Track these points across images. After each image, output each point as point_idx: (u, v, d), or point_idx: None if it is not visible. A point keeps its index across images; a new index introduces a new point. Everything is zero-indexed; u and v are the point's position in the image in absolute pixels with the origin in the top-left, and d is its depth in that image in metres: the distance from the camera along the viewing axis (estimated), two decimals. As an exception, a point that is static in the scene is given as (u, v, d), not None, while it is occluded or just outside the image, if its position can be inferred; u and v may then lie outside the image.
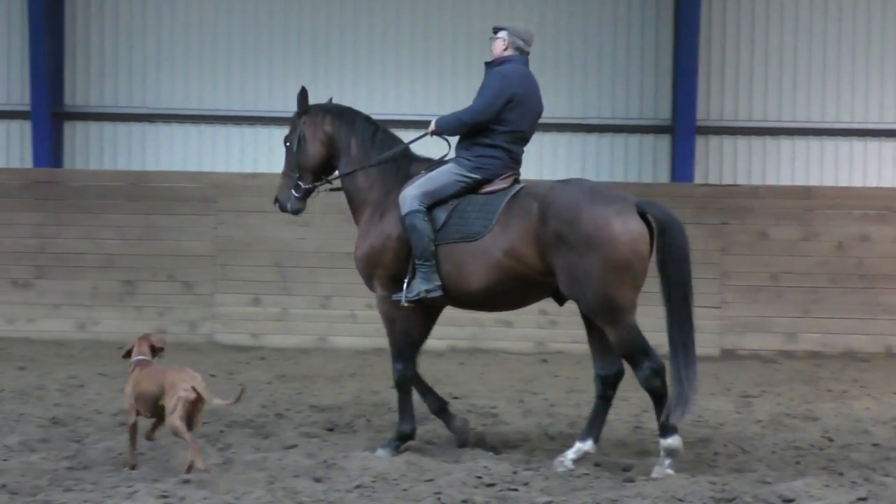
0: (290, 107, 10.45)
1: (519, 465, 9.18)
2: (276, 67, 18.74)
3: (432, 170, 9.83)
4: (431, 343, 10.53)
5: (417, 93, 18.70)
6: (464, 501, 8.07)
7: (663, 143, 18.67)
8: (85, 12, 18.61)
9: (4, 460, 9.21)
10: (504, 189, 9.62)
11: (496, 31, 9.90)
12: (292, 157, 10.31)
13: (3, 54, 18.68)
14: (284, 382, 13.74)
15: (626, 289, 8.98)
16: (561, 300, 9.60)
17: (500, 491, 8.37)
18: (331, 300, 17.08)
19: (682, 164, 18.31)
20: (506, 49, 9.81)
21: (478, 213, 9.48)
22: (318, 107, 10.39)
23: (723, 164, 18.74)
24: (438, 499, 8.11)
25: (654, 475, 8.91)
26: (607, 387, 9.45)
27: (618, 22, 18.66)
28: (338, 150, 10.23)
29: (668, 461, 9.02)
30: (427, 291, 9.51)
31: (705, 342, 15.47)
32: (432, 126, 9.90)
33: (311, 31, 18.76)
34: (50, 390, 12.48)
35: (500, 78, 9.65)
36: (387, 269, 9.78)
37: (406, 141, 10.24)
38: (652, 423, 9.99)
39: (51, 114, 18.23)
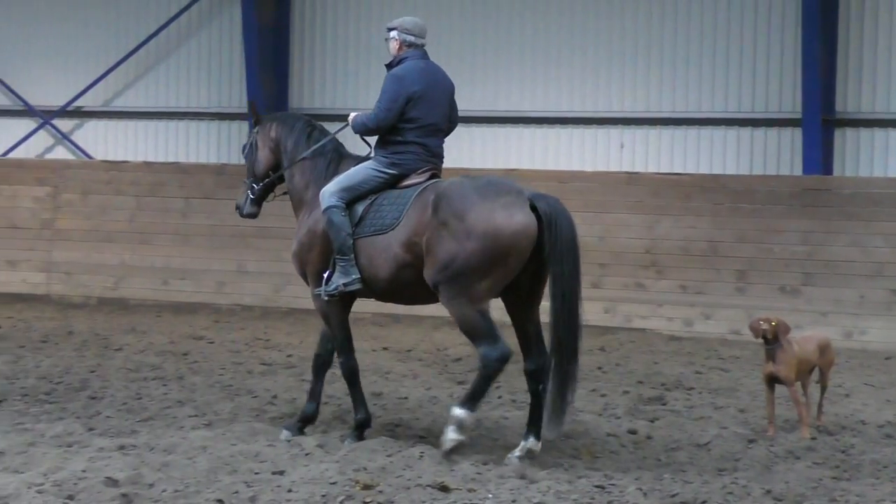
0: None
1: None
2: None
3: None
4: None
5: None
6: None
7: None
8: (858, 17, 18.43)
9: (767, 467, 9.41)
10: (419, 183, 9.80)
11: (388, 31, 10.17)
12: (247, 165, 10.89)
13: (776, 62, 18.90)
14: None
15: (490, 281, 9.13)
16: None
17: None
18: None
19: None
20: (400, 48, 10.08)
21: (390, 207, 9.72)
22: (271, 116, 11.11)
23: None
24: None
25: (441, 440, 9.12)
26: (535, 381, 9.43)
27: None
28: (281, 153, 10.71)
29: (452, 427, 9.15)
30: (345, 285, 9.78)
31: None
32: (350, 122, 10.20)
33: None
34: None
35: (395, 80, 9.89)
36: (314, 265, 10.14)
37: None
38: None
39: (822, 120, 18.23)
